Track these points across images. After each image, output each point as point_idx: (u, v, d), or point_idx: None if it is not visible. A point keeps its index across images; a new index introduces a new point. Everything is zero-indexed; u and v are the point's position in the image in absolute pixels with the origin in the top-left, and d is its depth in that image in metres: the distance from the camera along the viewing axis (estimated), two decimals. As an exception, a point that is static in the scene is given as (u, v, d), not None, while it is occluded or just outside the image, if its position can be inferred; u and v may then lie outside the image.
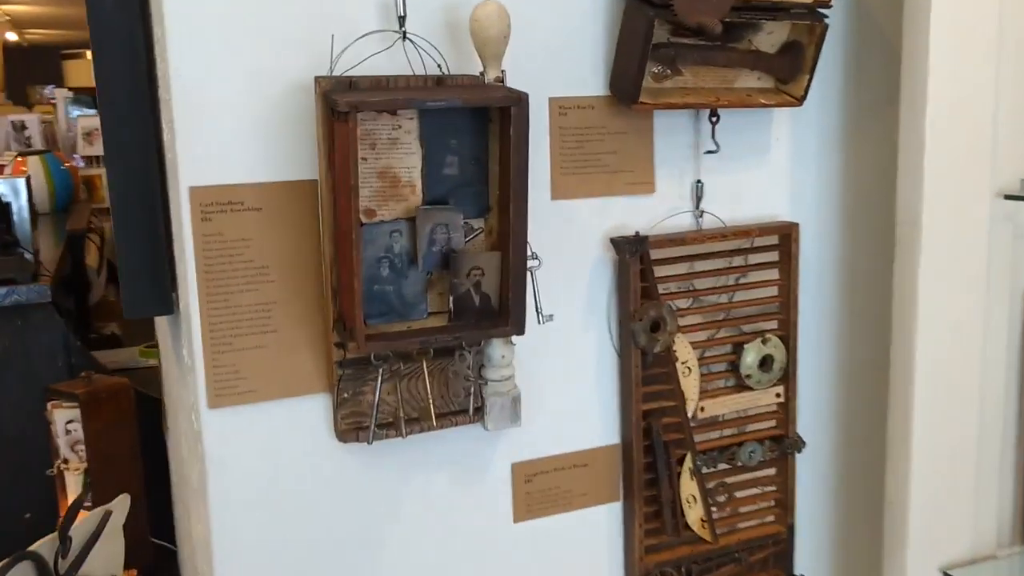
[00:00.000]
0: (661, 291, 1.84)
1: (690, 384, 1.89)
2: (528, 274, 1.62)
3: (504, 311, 1.55)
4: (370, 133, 1.50)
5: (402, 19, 1.59)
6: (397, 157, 1.52)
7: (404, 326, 1.55)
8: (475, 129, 1.54)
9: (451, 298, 1.55)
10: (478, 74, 1.58)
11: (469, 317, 1.56)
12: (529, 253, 1.61)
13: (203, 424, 1.61)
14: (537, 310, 1.66)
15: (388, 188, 1.52)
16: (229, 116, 1.54)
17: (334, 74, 1.53)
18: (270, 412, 1.64)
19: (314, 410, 1.67)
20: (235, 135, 1.55)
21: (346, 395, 1.62)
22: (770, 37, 1.85)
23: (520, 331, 1.55)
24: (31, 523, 3.16)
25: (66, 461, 3.10)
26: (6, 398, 3.22)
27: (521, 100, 1.43)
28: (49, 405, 2.98)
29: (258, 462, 1.65)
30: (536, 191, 1.77)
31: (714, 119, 1.84)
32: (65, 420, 3.20)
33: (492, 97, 1.43)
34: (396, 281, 1.54)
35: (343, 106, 1.35)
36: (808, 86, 1.85)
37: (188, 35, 1.50)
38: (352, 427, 1.64)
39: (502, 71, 1.58)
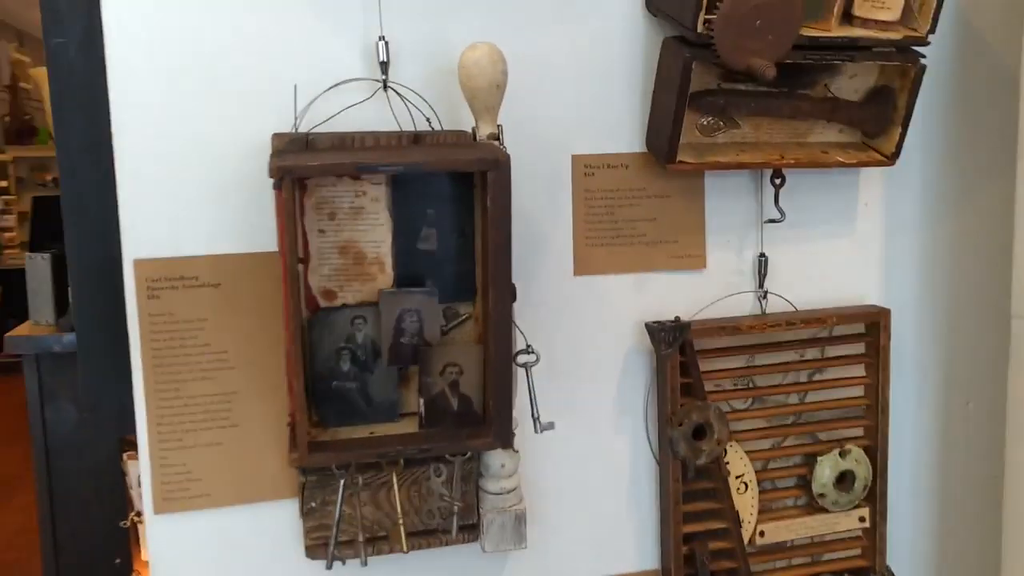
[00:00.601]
0: (711, 389, 1.51)
1: (746, 503, 1.54)
2: (524, 372, 1.33)
3: (488, 417, 1.26)
4: (328, 200, 1.25)
5: (384, 66, 1.35)
6: (362, 229, 1.27)
7: (367, 431, 1.29)
8: (457, 196, 1.28)
9: (421, 400, 1.27)
10: (470, 130, 1.32)
11: (445, 423, 1.28)
12: (524, 345, 1.33)
13: (148, 531, 1.39)
14: (534, 416, 1.36)
15: (351, 266, 1.27)
16: (180, 178, 1.33)
17: (299, 130, 1.30)
18: (228, 520, 1.41)
19: (280, 519, 1.42)
20: (187, 201, 1.33)
21: (313, 504, 1.37)
22: (853, 81, 1.50)
23: (505, 442, 1.26)
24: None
25: (139, 514, 3.00)
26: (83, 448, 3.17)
27: (499, 163, 1.16)
28: (124, 456, 2.89)
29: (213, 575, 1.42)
30: (556, 266, 1.48)
31: (778, 181, 1.51)
32: (138, 473, 3.12)
33: (461, 160, 1.16)
34: (360, 377, 1.28)
35: (273, 172, 1.11)
36: (901, 141, 1.49)
37: (131, 88, 1.30)
38: (320, 542, 1.38)
39: (498, 126, 1.31)
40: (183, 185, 1.33)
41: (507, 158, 1.19)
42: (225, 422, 1.39)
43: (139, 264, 1.34)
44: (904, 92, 1.46)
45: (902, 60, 1.43)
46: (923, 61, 1.42)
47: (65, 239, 1.48)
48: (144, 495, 1.38)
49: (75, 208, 1.43)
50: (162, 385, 1.36)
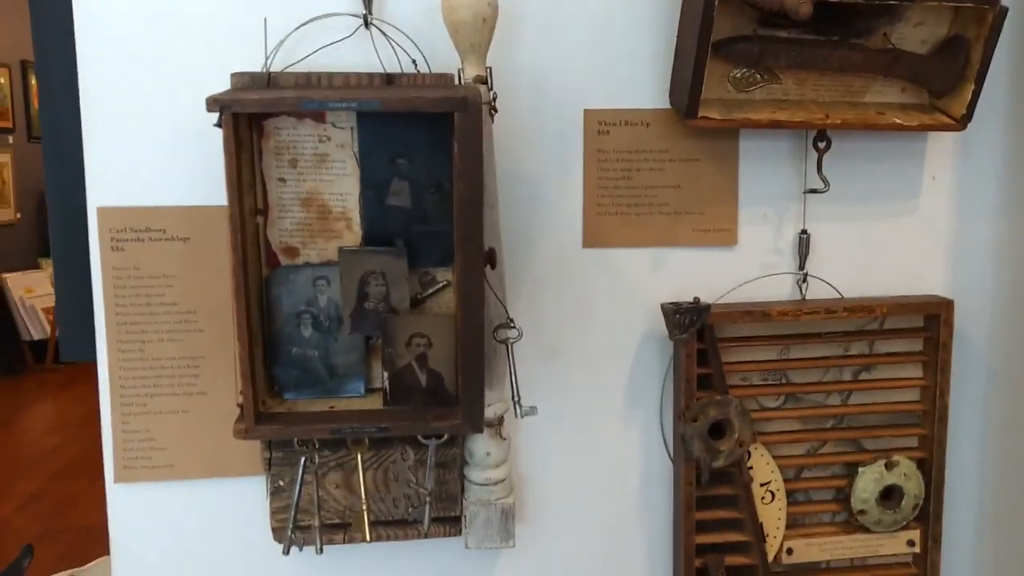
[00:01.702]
0: (735, 383, 1.32)
1: (772, 514, 1.34)
2: (504, 348, 1.17)
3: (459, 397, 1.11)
4: (288, 145, 1.13)
5: (368, 1, 1.22)
6: (327, 180, 1.14)
7: (327, 404, 1.16)
8: (434, 144, 1.13)
9: (385, 374, 1.14)
10: (456, 71, 1.18)
11: (412, 400, 1.14)
12: (507, 318, 1.17)
13: (109, 501, 1.30)
14: (514, 399, 1.21)
15: (315, 220, 1.15)
16: (148, 124, 1.23)
17: (271, 70, 1.18)
18: (193, 494, 1.31)
19: (250, 497, 1.31)
20: (156, 148, 1.24)
21: (281, 483, 1.25)
22: (919, 30, 1.28)
23: (474, 426, 1.10)
24: None
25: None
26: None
27: (467, 103, 1.00)
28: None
29: (175, 555, 1.32)
30: (563, 236, 1.32)
31: (822, 144, 1.30)
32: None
33: (421, 99, 1.01)
34: (321, 344, 1.15)
35: (209, 105, 0.99)
36: (974, 101, 1.26)
37: (96, 29, 1.21)
38: (285, 525, 1.26)
39: (487, 68, 1.16)
40: (152, 131, 1.23)
41: (477, 97, 1.04)
42: (192, 388, 1.29)
43: (103, 212, 1.25)
44: (980, 42, 1.23)
45: (977, 2, 1.21)
46: (1004, 3, 1.20)
47: (46, 187, 1.40)
48: (105, 461, 1.30)
49: (53, 153, 1.36)
50: (126, 345, 1.27)
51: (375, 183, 1.14)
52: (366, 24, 1.21)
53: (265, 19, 1.19)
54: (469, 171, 1.03)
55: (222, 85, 1.17)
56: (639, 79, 1.31)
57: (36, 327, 6.72)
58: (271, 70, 1.18)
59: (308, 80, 1.13)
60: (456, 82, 1.17)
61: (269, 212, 1.15)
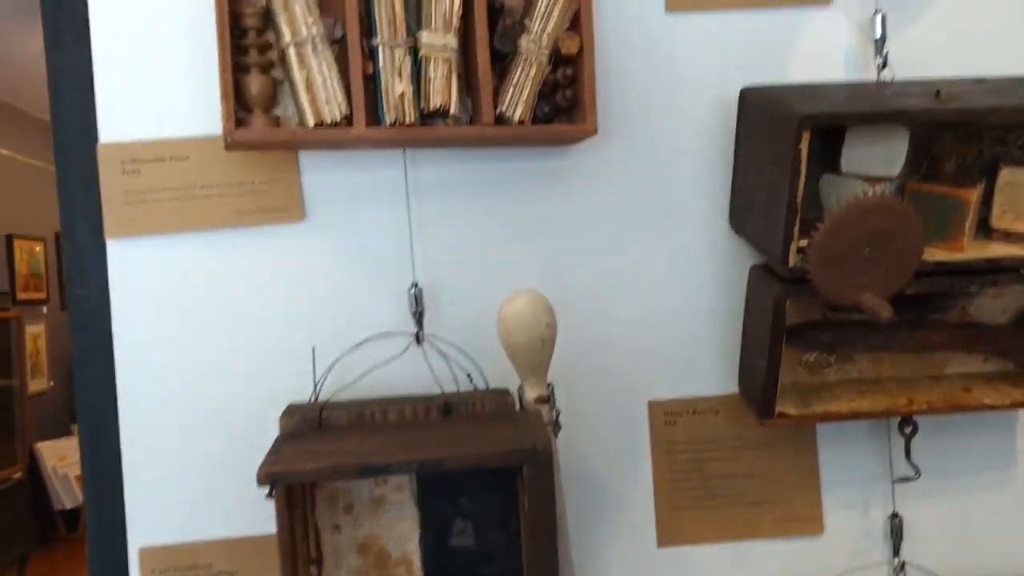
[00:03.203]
0: None
1: None
2: None
3: None
4: (344, 492, 1.06)
5: (419, 316, 1.16)
6: (384, 524, 1.06)
7: None
8: (497, 479, 1.05)
9: None
10: (515, 389, 1.11)
11: None
12: (588, 664, 1.07)
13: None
14: None
15: (373, 567, 1.06)
16: (187, 458, 1.17)
17: (320, 397, 1.12)
18: None
19: None
20: (196, 474, 1.17)
21: None
22: (998, 300, 1.21)
23: None
24: None
25: None
26: None
27: (536, 454, 0.93)
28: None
29: None
30: (635, 536, 1.23)
31: (908, 429, 1.21)
32: None
33: (487, 455, 0.94)
34: None
35: (261, 478, 0.92)
36: (1067, 374, 1.18)
37: (137, 353, 1.17)
38: None
39: (549, 385, 1.09)
40: (193, 462, 1.17)
41: (547, 445, 0.97)
42: None
43: (144, 553, 1.17)
44: (1068, 316, 1.16)
45: (1061, 279, 1.13)
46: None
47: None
48: None
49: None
50: None
51: (436, 525, 1.06)
52: (418, 341, 1.16)
53: (313, 348, 1.14)
54: (541, 522, 0.95)
55: (260, 413, 1.12)
56: (703, 366, 1.24)
57: (68, 496, 6.62)
58: (321, 392, 1.13)
59: (360, 417, 1.07)
60: (515, 401, 1.10)
61: (324, 562, 1.06)
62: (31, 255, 6.61)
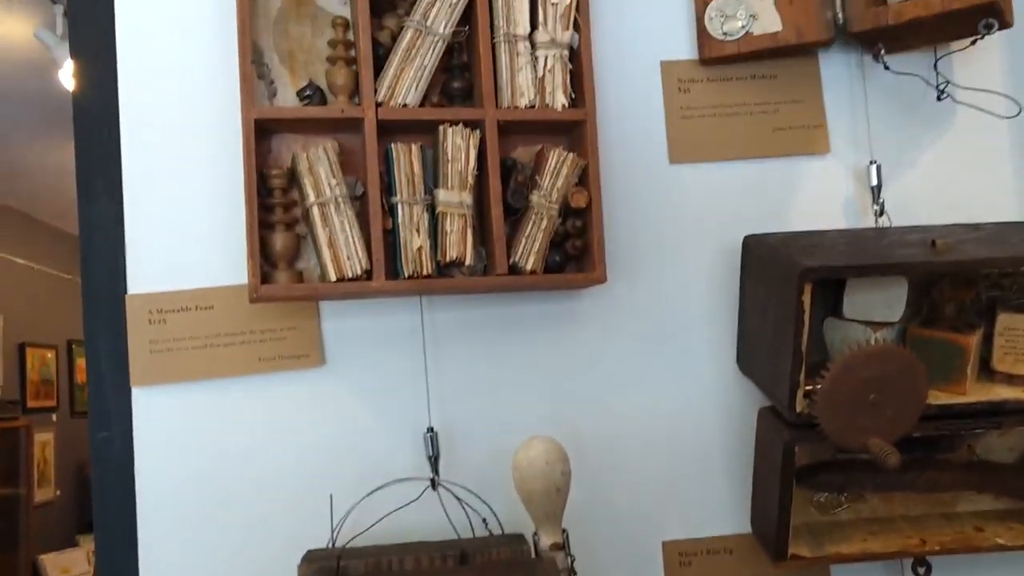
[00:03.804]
0: None
1: None
2: None
3: None
4: (364, 640, 1.06)
5: (434, 460, 1.19)
6: (401, 674, 1.06)
7: None
8: (513, 630, 1.05)
9: None
10: (531, 536, 1.12)
11: None
12: None
13: None
14: None
15: None
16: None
17: (337, 543, 1.14)
18: None
19: None
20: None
21: None
22: (1004, 440, 1.23)
23: None
24: None
25: None
26: None
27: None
28: None
29: None
30: None
31: (922, 570, 1.22)
32: None
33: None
34: None
35: (281, 638, 0.93)
36: (1078, 514, 1.19)
37: (158, 496, 1.19)
38: None
39: (563, 532, 1.11)
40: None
41: (562, 600, 0.98)
42: None
43: None
44: (1073, 456, 1.18)
45: (1066, 419, 1.16)
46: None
47: None
48: None
49: None
50: None
51: (453, 675, 1.06)
52: (433, 486, 1.18)
53: (331, 496, 1.16)
54: None
55: (290, 554, 1.13)
56: (716, 506, 1.26)
57: (70, 610, 6.50)
58: (338, 537, 1.14)
59: (377, 567, 1.08)
60: (531, 548, 1.12)
61: None
62: (43, 362, 6.65)
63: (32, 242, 6.07)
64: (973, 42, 1.18)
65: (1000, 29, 1.16)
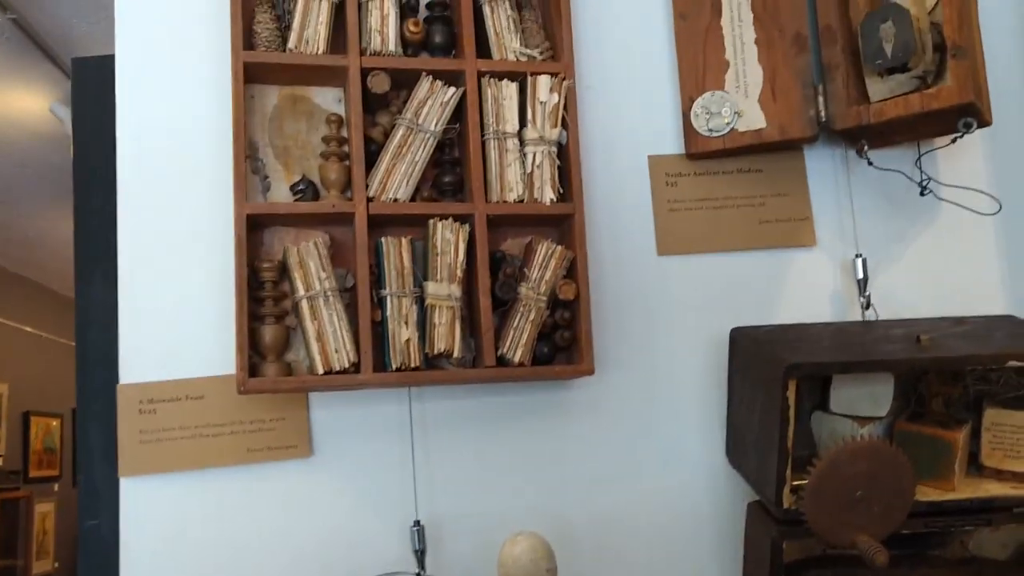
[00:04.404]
0: None
1: None
2: None
3: None
4: None
5: (420, 555, 1.18)
6: None
7: None
8: None
9: None
10: (516, 634, 1.11)
11: None
12: None
13: None
14: None
15: None
16: None
17: (321, 638, 1.13)
18: None
19: None
20: None
21: None
22: (996, 535, 1.22)
23: None
24: None
25: None
26: None
27: None
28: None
29: None
30: None
31: (916, 670, 1.20)
32: None
33: None
34: None
35: None
36: (1075, 613, 1.17)
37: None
38: None
39: (550, 631, 1.10)
40: None
41: None
42: None
43: None
44: (1066, 553, 1.16)
45: (1056, 514, 1.15)
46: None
47: None
48: None
49: None
50: None
51: None
52: (419, 580, 1.17)
53: (316, 588, 1.15)
54: None
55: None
56: (706, 601, 1.24)
57: None
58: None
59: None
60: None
61: None
62: (47, 431, 6.63)
63: (42, 311, 6.11)
64: (954, 140, 1.20)
65: (979, 127, 1.19)
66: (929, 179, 1.27)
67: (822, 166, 1.33)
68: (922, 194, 1.28)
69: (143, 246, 1.23)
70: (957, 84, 1.14)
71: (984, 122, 1.18)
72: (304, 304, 1.13)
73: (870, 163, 1.26)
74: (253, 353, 1.14)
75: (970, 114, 1.17)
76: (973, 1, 1.21)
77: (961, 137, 1.19)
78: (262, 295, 1.15)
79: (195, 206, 1.23)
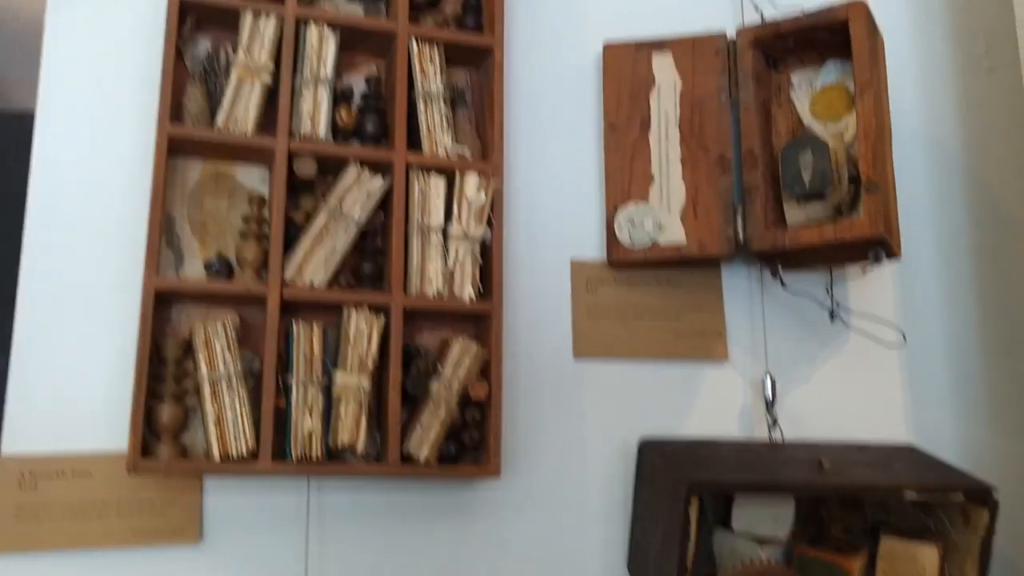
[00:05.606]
0: None
1: None
2: None
3: None
4: None
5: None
6: None
7: None
8: None
9: None
10: None
11: None
12: None
13: None
14: None
15: None
16: None
17: None
18: None
19: None
20: None
21: None
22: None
23: None
24: None
25: None
26: None
27: None
28: None
29: None
30: None
31: None
32: None
33: None
34: None
35: None
36: None
37: None
38: None
39: None
40: None
41: None
42: None
43: None
44: None
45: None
46: None
47: None
48: None
49: None
50: None
51: None
52: None
53: None
54: None
55: None
56: None
57: None
58: None
59: None
60: None
61: None
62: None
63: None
64: (864, 271, 1.24)
65: (888, 258, 1.23)
66: (839, 305, 1.31)
67: (738, 283, 1.36)
68: (831, 320, 1.31)
69: (44, 310, 1.18)
70: (869, 218, 1.17)
71: (893, 255, 1.23)
72: (206, 386, 1.10)
73: (783, 285, 1.29)
74: (148, 432, 1.09)
75: (880, 245, 1.21)
76: (888, 139, 1.26)
77: (871, 267, 1.23)
78: (163, 372, 1.11)
79: (103, 274, 1.19)
